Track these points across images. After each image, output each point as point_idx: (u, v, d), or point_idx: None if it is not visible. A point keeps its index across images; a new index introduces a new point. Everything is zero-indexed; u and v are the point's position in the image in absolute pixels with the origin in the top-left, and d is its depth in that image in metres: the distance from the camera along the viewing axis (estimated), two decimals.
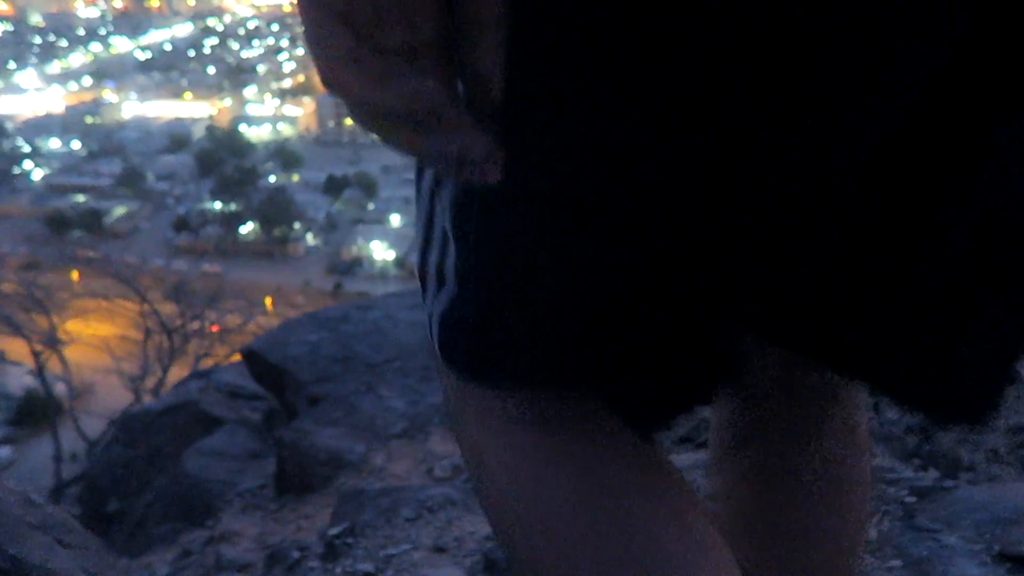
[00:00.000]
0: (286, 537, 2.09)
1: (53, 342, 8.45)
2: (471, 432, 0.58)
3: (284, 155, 63.35)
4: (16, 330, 8.66)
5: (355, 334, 3.58)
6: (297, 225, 55.77)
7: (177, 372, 7.78)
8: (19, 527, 1.38)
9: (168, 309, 9.37)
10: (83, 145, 75.41)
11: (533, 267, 0.48)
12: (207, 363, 8.03)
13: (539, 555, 0.54)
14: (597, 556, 0.52)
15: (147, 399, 6.58)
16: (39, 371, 6.87)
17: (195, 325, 8.48)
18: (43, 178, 68.89)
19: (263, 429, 3.43)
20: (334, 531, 1.77)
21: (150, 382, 7.86)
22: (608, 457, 0.55)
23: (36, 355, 7.06)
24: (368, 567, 1.55)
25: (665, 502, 0.55)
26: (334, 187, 56.57)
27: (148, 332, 8.65)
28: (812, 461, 0.66)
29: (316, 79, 0.48)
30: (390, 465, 2.46)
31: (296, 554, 1.68)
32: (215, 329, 9.76)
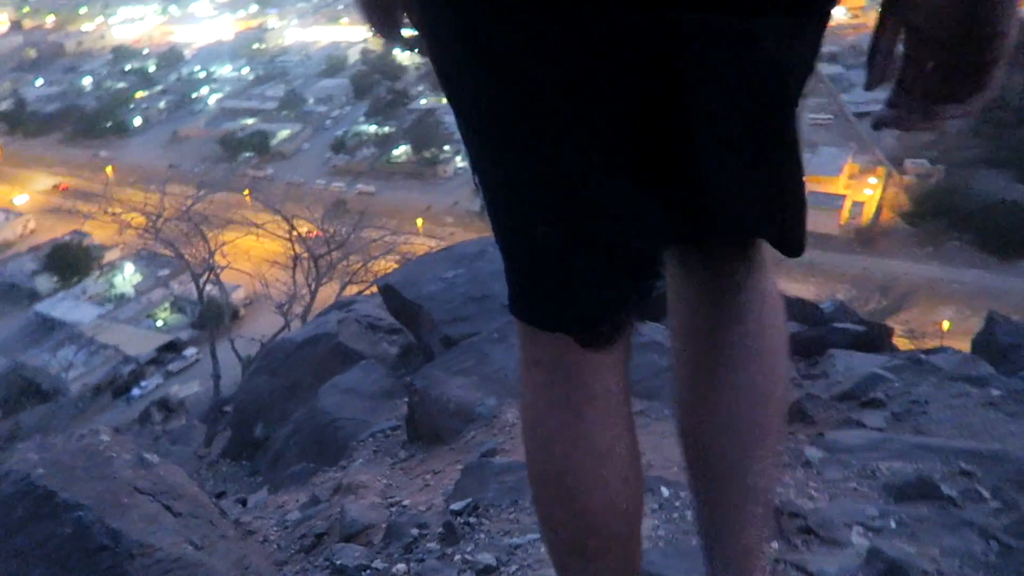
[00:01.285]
0: (411, 504, 1.96)
1: (210, 266, 8.98)
2: (520, 352, 0.89)
3: (434, 78, 63.80)
4: (177, 254, 9.26)
5: (492, 272, 3.41)
6: (446, 147, 56.65)
7: (326, 294, 8.03)
8: (127, 494, 1.32)
9: (325, 231, 9.63)
10: (250, 70, 79.82)
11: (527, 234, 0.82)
12: (352, 290, 8.22)
13: (523, 422, 0.88)
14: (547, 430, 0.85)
15: (295, 324, 6.80)
16: (199, 293, 7.26)
17: (339, 252, 8.67)
18: (216, 102, 73.88)
19: (399, 366, 3.36)
20: (456, 506, 1.61)
21: (299, 306, 8.15)
22: (572, 376, 0.83)
23: (195, 278, 7.46)
24: (489, 558, 1.37)
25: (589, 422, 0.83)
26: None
27: (296, 258, 8.94)
28: (737, 325, 0.89)
29: None
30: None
31: (414, 532, 1.53)
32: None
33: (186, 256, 8.93)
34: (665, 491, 1.52)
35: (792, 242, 0.85)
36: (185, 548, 1.27)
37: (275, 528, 2.14)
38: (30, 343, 41.89)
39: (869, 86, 0.72)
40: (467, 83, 0.77)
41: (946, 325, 27.05)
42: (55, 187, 62.75)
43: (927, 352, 5.70)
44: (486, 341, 2.62)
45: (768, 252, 0.90)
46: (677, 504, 1.49)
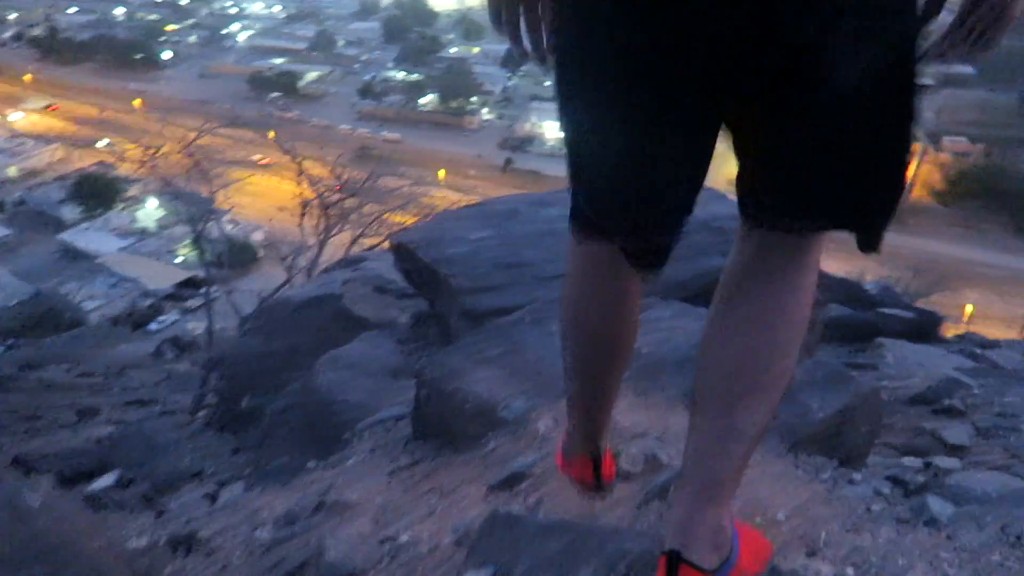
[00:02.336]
0: (410, 540, 1.49)
1: (209, 210, 8.42)
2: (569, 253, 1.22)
3: (467, 25, 62.61)
4: (175, 192, 8.72)
5: (525, 236, 2.90)
6: (474, 98, 55.53)
7: (337, 245, 7.45)
8: None
9: (339, 176, 8.89)
10: (282, 8, 78.41)
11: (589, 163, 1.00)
12: (365, 243, 7.62)
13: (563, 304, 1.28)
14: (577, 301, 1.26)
15: (299, 279, 6.25)
16: (197, 236, 6.62)
17: (353, 201, 7.95)
18: (247, 39, 72.77)
19: (409, 338, 2.90)
20: None
21: (306, 259, 7.55)
22: (605, 272, 1.16)
23: (193, 220, 6.81)
24: None
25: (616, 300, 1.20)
26: (512, 61, 55.42)
27: (305, 204, 8.28)
28: (763, 288, 1.07)
29: None
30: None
31: None
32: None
33: (185, 195, 8.38)
34: None
35: (871, 235, 1.00)
36: None
37: (240, 549, 1.70)
38: (54, 272, 42.20)
39: (924, 18, 0.87)
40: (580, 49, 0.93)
41: (969, 309, 26.32)
42: (46, 108, 62.31)
43: (983, 346, 5.14)
44: (518, 324, 2.13)
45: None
46: None
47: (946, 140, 48.27)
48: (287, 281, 5.60)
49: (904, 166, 0.94)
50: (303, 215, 7.97)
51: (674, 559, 0.98)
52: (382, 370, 2.62)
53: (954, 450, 3.10)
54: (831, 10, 0.79)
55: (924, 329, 5.06)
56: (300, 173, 7.59)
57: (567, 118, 0.96)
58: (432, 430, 2.02)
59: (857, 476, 1.86)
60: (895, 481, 2.14)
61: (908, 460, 2.73)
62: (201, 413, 3.71)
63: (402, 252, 2.95)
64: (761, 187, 0.98)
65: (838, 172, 0.91)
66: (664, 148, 0.90)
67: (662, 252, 1.07)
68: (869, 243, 0.98)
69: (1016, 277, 35.44)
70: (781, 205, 0.97)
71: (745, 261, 1.06)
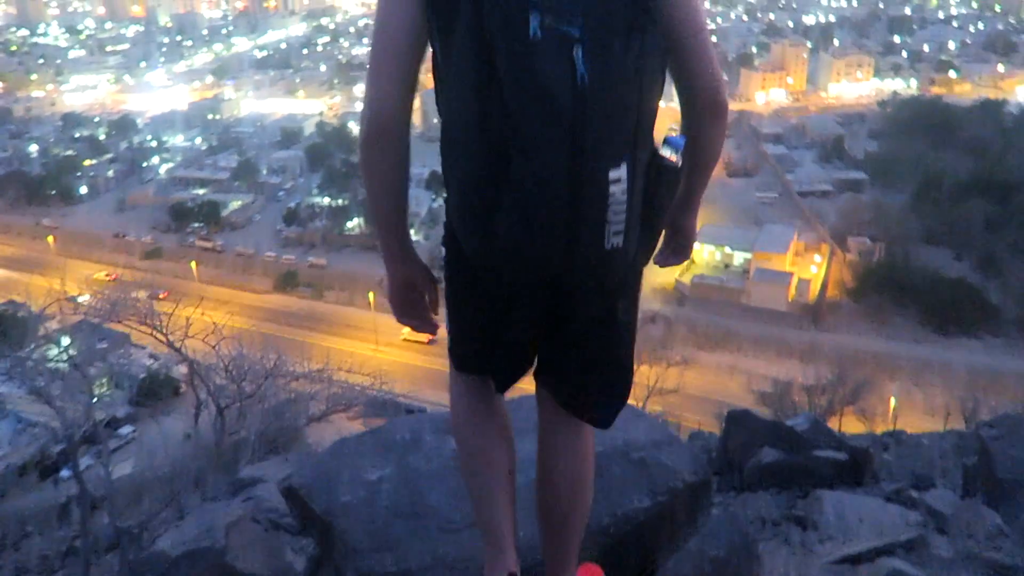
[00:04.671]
0: None
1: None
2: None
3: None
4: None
5: (428, 473, 2.71)
6: None
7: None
8: None
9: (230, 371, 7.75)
10: (203, 140, 78.87)
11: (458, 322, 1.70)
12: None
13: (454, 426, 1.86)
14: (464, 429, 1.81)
15: (190, 497, 5.49)
16: (74, 466, 5.69)
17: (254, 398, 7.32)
18: (168, 171, 72.43)
19: None
20: None
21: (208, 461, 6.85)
22: (481, 399, 1.76)
23: (69, 424, 5.87)
24: None
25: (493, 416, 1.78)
26: (436, 182, 56.83)
27: (198, 406, 7.60)
28: (559, 446, 1.77)
29: (423, 78, 1.56)
30: None
31: None
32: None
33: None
34: None
35: (600, 419, 1.73)
36: None
37: None
38: None
39: (659, 263, 1.68)
40: (454, 294, 1.64)
41: (892, 403, 27.03)
42: None
43: (917, 487, 5.10)
44: None
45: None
46: None
47: (851, 240, 50.91)
48: (169, 502, 4.98)
49: (627, 384, 1.69)
50: (196, 415, 7.34)
51: None
52: None
53: None
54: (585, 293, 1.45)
55: (857, 468, 5.00)
56: (192, 373, 7.04)
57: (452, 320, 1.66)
58: None
59: None
60: None
61: None
62: None
63: (293, 497, 2.71)
64: (550, 385, 1.70)
65: (585, 388, 1.66)
66: (507, 333, 1.56)
67: (513, 378, 1.66)
68: (605, 424, 1.72)
69: (929, 366, 36.70)
70: (560, 400, 1.71)
71: (550, 412, 1.77)
